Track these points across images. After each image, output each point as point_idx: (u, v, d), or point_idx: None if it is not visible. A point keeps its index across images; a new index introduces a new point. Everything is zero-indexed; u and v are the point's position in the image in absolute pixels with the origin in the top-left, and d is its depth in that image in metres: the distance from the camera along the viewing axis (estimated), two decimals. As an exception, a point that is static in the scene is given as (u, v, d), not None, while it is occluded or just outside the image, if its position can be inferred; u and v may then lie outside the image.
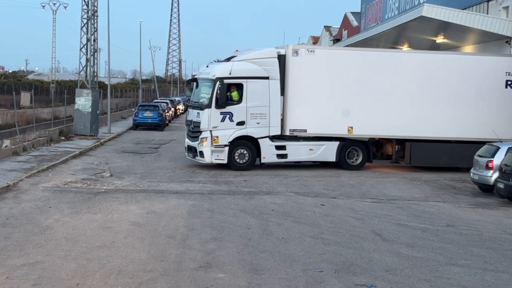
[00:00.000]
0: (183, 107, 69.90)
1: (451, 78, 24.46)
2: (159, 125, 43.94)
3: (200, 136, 23.22)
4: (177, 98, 74.16)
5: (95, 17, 36.99)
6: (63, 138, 32.43)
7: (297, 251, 11.78)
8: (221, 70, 23.35)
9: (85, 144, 30.95)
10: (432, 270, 10.86)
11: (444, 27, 28.66)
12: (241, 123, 23.26)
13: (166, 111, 48.86)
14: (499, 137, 21.72)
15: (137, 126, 44.17)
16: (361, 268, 10.81)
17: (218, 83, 22.94)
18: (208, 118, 23.03)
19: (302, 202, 17.32)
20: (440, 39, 30.93)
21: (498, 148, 19.39)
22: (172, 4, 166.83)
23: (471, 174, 20.06)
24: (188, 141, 24.40)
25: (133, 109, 53.01)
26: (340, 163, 24.25)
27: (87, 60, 36.99)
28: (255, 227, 13.86)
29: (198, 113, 23.56)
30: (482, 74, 24.46)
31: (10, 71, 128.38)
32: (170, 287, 9.59)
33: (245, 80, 23.25)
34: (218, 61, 25.37)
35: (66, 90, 46.92)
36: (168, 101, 57.54)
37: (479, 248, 12.62)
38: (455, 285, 10.14)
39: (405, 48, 34.84)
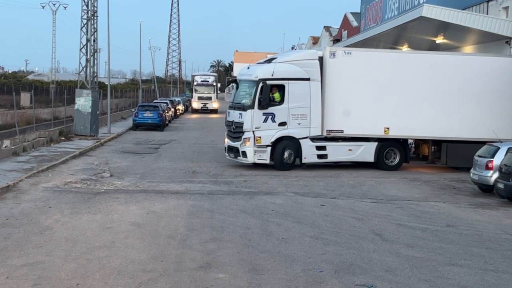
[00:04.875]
0: (183, 107, 69.80)
1: (488, 80, 24.43)
2: (159, 126, 43.91)
3: (243, 137, 23.45)
4: (177, 99, 74.02)
5: (95, 18, 36.99)
6: (63, 138, 32.44)
7: (297, 251, 11.79)
8: (263, 72, 23.58)
9: (85, 144, 30.95)
10: (432, 270, 10.87)
11: (444, 27, 28.63)
12: (282, 124, 23.51)
13: (166, 111, 48.85)
14: None
15: (137, 126, 44.14)
16: (361, 268, 10.81)
17: (261, 84, 23.15)
18: (251, 118, 23.27)
19: (302, 202, 17.32)
20: (440, 40, 30.90)
21: (498, 148, 19.38)
22: (172, 4, 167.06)
23: (471, 174, 20.04)
24: (228, 142, 24.61)
25: (133, 110, 52.97)
26: (378, 164, 24.41)
27: (87, 60, 36.99)
28: (255, 227, 13.86)
29: (241, 114, 23.72)
30: None
31: (10, 71, 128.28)
32: (170, 287, 9.60)
33: (287, 81, 23.51)
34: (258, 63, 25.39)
35: (66, 91, 46.82)
36: (168, 102, 57.50)
37: (479, 248, 12.63)
38: (455, 285, 10.15)
39: (404, 48, 34.84)
